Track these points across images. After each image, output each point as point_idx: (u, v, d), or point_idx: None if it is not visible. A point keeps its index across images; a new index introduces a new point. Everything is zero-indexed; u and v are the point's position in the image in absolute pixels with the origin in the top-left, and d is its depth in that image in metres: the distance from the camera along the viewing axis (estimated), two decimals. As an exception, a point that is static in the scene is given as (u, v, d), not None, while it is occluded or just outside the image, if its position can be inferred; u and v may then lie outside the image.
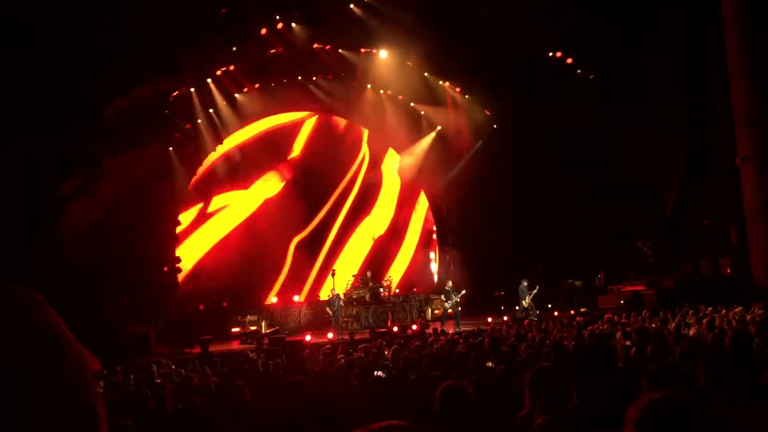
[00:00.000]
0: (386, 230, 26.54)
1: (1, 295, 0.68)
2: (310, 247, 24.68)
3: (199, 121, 21.52)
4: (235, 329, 20.26)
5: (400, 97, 25.41)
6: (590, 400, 3.17)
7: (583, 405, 3.17)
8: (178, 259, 20.99)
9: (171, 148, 20.87)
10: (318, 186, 24.92)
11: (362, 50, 23.18)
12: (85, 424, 0.67)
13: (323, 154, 24.99)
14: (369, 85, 24.57)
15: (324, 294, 22.27)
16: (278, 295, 23.22)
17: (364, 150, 26.53)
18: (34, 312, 0.68)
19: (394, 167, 26.90)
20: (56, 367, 0.67)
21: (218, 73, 21.51)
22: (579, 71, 23.50)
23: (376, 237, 26.20)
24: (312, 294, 24.01)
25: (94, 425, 0.68)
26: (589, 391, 3.18)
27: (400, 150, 26.46)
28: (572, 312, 19.95)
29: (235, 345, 18.60)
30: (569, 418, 3.07)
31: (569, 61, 23.26)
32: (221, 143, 22.69)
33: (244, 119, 22.95)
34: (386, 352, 11.21)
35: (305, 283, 24.33)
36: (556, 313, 20.29)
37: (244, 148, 23.76)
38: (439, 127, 26.08)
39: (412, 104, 25.71)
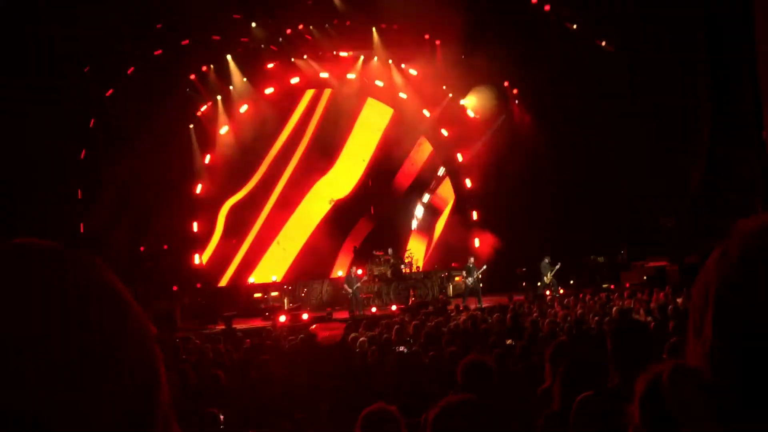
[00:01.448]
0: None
1: (74, 261, 0.71)
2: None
3: (219, 97, 21.77)
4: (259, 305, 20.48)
5: (413, 72, 25.20)
6: (631, 377, 3.14)
7: (625, 383, 3.12)
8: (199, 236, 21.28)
9: (192, 126, 21.12)
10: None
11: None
12: (153, 382, 0.72)
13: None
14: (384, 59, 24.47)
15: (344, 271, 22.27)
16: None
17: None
18: (106, 276, 0.72)
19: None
20: (129, 327, 0.71)
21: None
22: (603, 44, 23.16)
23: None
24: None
25: (160, 385, 0.73)
26: (630, 368, 3.13)
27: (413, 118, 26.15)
28: (594, 288, 19.84)
29: (258, 321, 18.81)
30: (613, 396, 3.04)
31: (593, 35, 22.93)
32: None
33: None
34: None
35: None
36: (578, 289, 20.21)
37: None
38: (450, 95, 25.61)
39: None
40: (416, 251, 24.63)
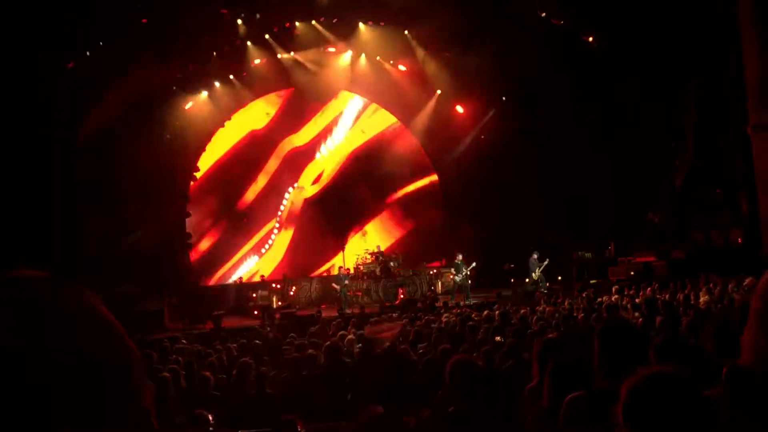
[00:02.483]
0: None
1: (60, 291, 0.73)
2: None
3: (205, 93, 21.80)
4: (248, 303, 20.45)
5: (402, 67, 25.22)
6: (619, 378, 3.16)
7: (613, 383, 3.14)
8: (189, 235, 21.18)
9: (178, 124, 21.12)
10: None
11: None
12: (139, 412, 0.74)
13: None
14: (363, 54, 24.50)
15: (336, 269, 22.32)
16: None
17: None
18: (93, 307, 0.75)
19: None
20: (112, 350, 0.73)
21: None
22: (590, 40, 23.25)
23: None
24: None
25: (144, 413, 0.75)
26: (618, 369, 3.14)
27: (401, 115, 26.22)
28: (581, 283, 19.94)
29: (248, 320, 18.78)
30: (602, 396, 3.05)
31: (578, 31, 23.02)
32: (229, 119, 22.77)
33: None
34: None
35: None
36: (566, 285, 20.33)
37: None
38: (439, 91, 25.68)
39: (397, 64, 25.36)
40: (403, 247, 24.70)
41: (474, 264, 20.14)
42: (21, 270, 0.73)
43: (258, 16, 21.51)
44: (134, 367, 0.75)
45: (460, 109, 25.94)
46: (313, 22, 22.77)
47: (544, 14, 22.57)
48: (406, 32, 23.77)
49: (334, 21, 22.84)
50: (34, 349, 0.66)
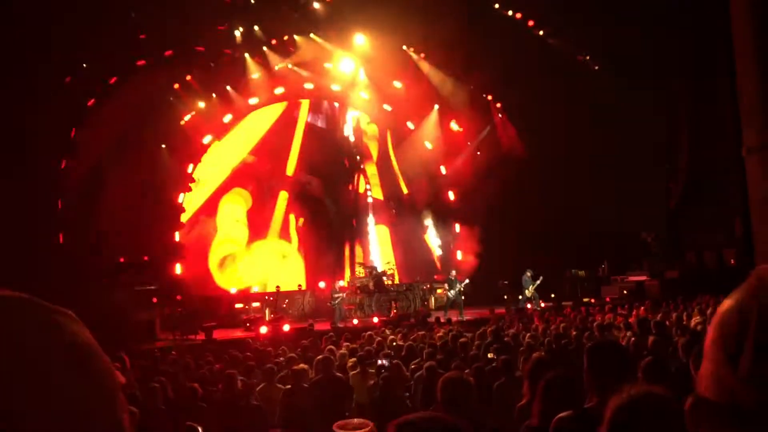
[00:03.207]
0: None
1: (31, 311, 0.71)
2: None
3: (202, 104, 21.82)
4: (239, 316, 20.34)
5: (398, 84, 25.30)
6: (607, 397, 3.16)
7: (602, 403, 3.13)
8: (182, 246, 21.17)
9: (163, 145, 21.11)
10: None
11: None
12: None
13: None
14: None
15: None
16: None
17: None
18: (66, 327, 0.72)
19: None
20: (90, 380, 0.71)
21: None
22: (586, 59, 23.43)
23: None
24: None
25: None
26: (607, 388, 3.14)
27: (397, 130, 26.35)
28: (574, 302, 19.95)
29: (239, 332, 18.68)
30: (590, 416, 3.05)
31: (574, 52, 23.22)
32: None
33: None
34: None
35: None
36: (559, 303, 20.34)
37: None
38: (437, 106, 25.79)
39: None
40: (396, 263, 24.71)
41: (467, 280, 20.14)
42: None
43: (256, 28, 21.63)
44: (114, 401, 0.74)
45: (455, 126, 26.05)
46: (312, 35, 22.88)
47: (540, 33, 22.77)
48: (404, 47, 23.90)
49: (332, 34, 22.95)
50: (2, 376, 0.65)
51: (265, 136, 24.17)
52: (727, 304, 0.92)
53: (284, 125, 24.63)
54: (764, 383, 0.82)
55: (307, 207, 24.35)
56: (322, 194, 24.82)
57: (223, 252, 23.08)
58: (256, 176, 23.78)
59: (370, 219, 26.02)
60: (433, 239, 26.71)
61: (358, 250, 25.25)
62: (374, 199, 26.28)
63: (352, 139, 26.03)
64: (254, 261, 23.47)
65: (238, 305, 20.71)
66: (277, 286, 21.66)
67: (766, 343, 0.83)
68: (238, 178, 23.55)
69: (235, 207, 23.59)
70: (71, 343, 0.72)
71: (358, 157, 26.08)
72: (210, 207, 22.92)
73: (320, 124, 25.66)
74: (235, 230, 23.48)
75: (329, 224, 24.72)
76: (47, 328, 0.71)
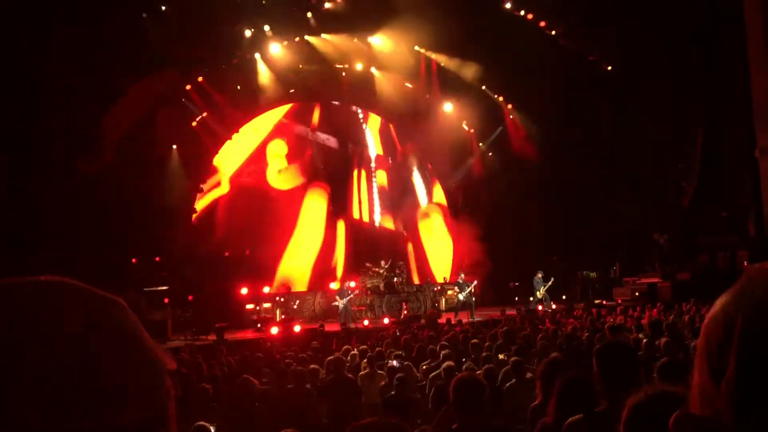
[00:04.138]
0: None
1: (80, 298, 0.73)
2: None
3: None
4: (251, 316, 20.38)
5: (409, 84, 25.30)
6: (619, 400, 3.14)
7: (613, 405, 3.11)
8: (193, 246, 21.24)
9: (174, 146, 21.20)
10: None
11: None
12: (157, 421, 0.73)
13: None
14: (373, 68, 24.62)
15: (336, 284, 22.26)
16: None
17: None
18: (111, 314, 0.74)
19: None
20: (136, 366, 0.72)
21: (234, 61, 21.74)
22: (598, 61, 23.33)
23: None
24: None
25: (165, 422, 0.74)
26: (617, 390, 3.12)
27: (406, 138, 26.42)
28: (586, 303, 19.88)
29: (250, 333, 18.73)
30: (600, 420, 3.03)
31: (589, 54, 23.15)
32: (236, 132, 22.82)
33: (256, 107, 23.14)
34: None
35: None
36: (570, 305, 20.28)
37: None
38: (448, 108, 25.81)
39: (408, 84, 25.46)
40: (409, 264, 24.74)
41: (475, 282, 20.16)
42: (52, 277, 0.73)
43: (267, 29, 21.60)
44: (160, 389, 0.75)
45: (465, 126, 26.02)
46: (323, 35, 22.85)
47: (553, 33, 22.69)
48: (416, 47, 23.84)
49: (344, 35, 22.95)
50: (58, 359, 0.67)
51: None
52: (714, 309, 0.86)
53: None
54: (747, 403, 0.77)
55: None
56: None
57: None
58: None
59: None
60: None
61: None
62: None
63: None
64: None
65: (249, 306, 20.74)
66: (288, 287, 21.79)
67: (750, 358, 0.76)
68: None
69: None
70: (119, 330, 0.73)
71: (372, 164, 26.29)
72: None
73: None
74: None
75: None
76: (95, 314, 0.72)
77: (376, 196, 26.22)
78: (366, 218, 25.89)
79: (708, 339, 0.82)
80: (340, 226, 24.80)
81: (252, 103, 22.80)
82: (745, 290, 0.83)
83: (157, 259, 18.49)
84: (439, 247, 26.59)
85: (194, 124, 21.72)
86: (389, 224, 26.26)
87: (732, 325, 0.79)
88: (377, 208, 26.20)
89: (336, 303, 19.48)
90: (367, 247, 24.22)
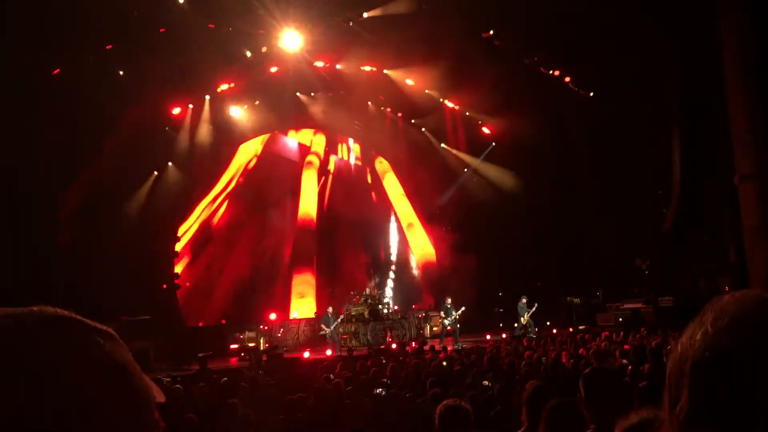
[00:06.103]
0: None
1: (71, 329, 0.73)
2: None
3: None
4: (234, 345, 20.17)
5: (399, 114, 25.52)
6: (606, 425, 3.15)
7: (600, 430, 3.12)
8: (177, 275, 21.01)
9: (170, 163, 21.07)
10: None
11: (361, 68, 23.26)
12: None
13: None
14: (369, 102, 24.76)
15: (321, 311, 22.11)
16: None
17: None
18: (99, 345, 0.74)
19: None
20: (123, 397, 0.73)
21: (218, 90, 21.70)
22: (577, 89, 23.64)
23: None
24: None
25: None
26: (604, 415, 3.12)
27: (399, 165, 26.57)
28: (570, 329, 19.92)
29: (233, 362, 18.54)
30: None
31: (567, 78, 23.43)
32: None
33: (239, 137, 23.12)
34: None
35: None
36: (554, 331, 20.32)
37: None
38: (443, 144, 26.19)
39: (413, 120, 25.79)
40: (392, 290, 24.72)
41: (463, 308, 20.09)
42: (45, 308, 0.74)
43: (263, 50, 21.32)
44: (140, 416, 0.76)
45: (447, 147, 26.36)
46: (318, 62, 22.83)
47: (531, 60, 22.97)
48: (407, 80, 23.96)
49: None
50: (45, 394, 0.67)
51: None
52: (680, 340, 0.88)
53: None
54: (694, 429, 0.78)
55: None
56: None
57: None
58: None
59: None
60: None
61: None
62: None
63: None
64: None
65: (233, 334, 20.56)
66: (272, 315, 21.68)
67: (699, 397, 0.79)
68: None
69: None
70: (107, 362, 0.74)
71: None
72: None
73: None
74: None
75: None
76: (85, 345, 0.73)
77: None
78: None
79: (669, 370, 0.86)
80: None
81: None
82: (699, 325, 0.86)
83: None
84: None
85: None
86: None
87: (685, 360, 0.83)
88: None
89: (323, 332, 19.35)
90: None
